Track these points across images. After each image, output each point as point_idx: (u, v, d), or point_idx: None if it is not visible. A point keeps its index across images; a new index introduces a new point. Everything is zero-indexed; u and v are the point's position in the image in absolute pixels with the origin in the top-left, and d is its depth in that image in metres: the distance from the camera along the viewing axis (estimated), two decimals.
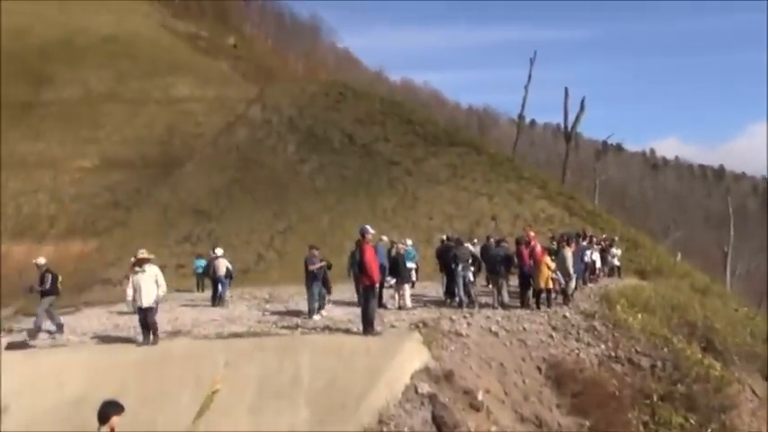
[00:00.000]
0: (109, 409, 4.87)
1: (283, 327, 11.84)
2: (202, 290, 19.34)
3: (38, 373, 9.38)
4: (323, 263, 12.70)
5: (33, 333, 11.56)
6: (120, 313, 14.44)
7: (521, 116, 40.26)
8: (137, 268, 10.51)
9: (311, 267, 12.47)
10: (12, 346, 10.57)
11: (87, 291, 21.93)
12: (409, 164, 27.64)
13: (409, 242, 14.87)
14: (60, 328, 11.95)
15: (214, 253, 16.45)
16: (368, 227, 11.16)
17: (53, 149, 37.00)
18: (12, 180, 34.72)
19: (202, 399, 9.18)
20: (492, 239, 15.48)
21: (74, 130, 37.77)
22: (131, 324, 11.91)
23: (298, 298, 16.36)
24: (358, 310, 11.89)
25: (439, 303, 14.01)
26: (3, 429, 8.53)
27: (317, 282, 12.59)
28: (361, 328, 10.83)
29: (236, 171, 29.53)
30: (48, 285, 11.84)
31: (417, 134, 29.66)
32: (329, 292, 13.36)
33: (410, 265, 14.36)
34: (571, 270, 13.47)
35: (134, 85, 41.89)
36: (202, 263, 19.35)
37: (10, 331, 12.88)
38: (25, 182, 34.78)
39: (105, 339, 11.41)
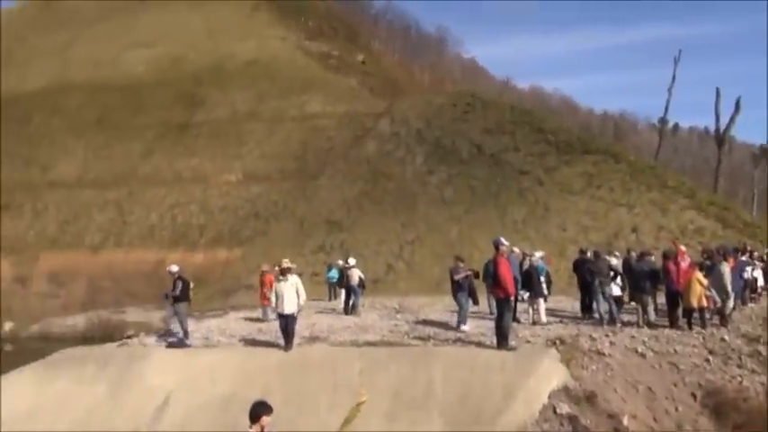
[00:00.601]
0: (260, 410, 5.12)
1: (415, 337, 11.91)
2: (334, 298, 20.01)
3: (194, 370, 10.20)
4: (468, 272, 12.54)
5: (167, 336, 12.42)
6: (252, 320, 15.23)
7: (663, 120, 37.62)
8: (280, 277, 11.09)
9: (456, 277, 12.40)
10: (172, 345, 11.63)
11: (233, 295, 23.61)
12: (540, 173, 26.79)
13: (537, 254, 14.33)
14: (186, 334, 12.47)
15: (347, 263, 16.97)
16: (501, 239, 10.93)
17: (204, 165, 40.47)
18: (169, 194, 38.45)
19: (340, 402, 9.50)
20: (633, 253, 14.48)
21: (221, 147, 41.08)
22: (273, 328, 12.60)
23: (427, 309, 16.43)
24: (490, 323, 11.63)
25: (575, 319, 13.35)
26: (165, 420, 9.36)
27: (464, 292, 12.49)
28: (494, 341, 10.60)
29: (367, 183, 30.40)
30: (178, 292, 12.45)
31: (549, 143, 28.70)
32: (476, 302, 13.09)
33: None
34: (729, 288, 12.20)
35: (272, 104, 44.71)
36: (334, 272, 19.97)
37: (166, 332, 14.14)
38: (180, 195, 38.34)
39: (251, 342, 12.17)
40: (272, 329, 12.78)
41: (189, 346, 11.63)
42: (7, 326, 20.86)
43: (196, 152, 41.61)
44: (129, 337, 16.32)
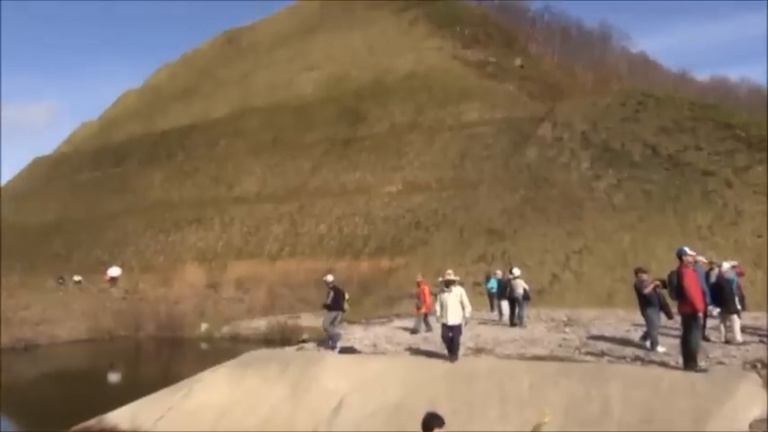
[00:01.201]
0: (432, 422, 5.12)
1: (587, 353, 11.25)
2: (494, 309, 19.70)
3: (365, 376, 10.60)
4: (656, 282, 11.43)
5: (325, 343, 12.94)
6: (409, 330, 15.40)
7: None
8: (444, 288, 11.14)
9: (645, 291, 11.43)
10: (344, 351, 12.23)
11: (397, 303, 24.22)
12: (729, 174, 24.01)
13: (727, 264, 12.73)
14: (335, 340, 12.77)
15: (511, 273, 16.58)
16: (686, 248, 9.92)
17: (367, 178, 42.32)
18: (336, 206, 40.73)
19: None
20: None
21: (382, 159, 42.68)
22: (438, 338, 12.68)
23: (599, 323, 15.45)
24: (673, 341, 10.61)
25: None
26: (339, 423, 9.83)
27: (654, 307, 11.38)
28: (679, 361, 9.64)
29: (528, 190, 29.54)
30: (329, 301, 12.90)
31: (738, 139, 25.63)
32: (669, 316, 11.78)
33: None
34: None
35: (430, 114, 45.48)
36: (493, 282, 19.67)
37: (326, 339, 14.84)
38: (345, 207, 40.44)
39: (417, 351, 12.36)
40: (437, 339, 12.87)
41: (359, 352, 12.14)
42: (203, 327, 23.46)
43: (359, 165, 43.64)
44: (303, 341, 17.49)
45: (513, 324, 15.73)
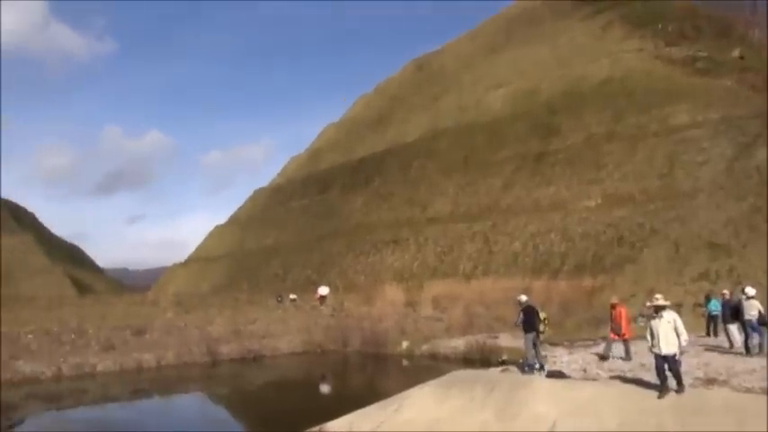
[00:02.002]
0: None
1: None
2: (714, 334, 17.44)
3: (577, 402, 9.96)
4: None
5: (524, 365, 12.28)
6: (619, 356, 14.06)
7: None
8: (654, 314, 10.05)
9: None
10: (551, 374, 11.67)
11: (603, 325, 22.58)
12: None
13: None
14: (540, 367, 12.01)
15: (744, 293, 14.48)
16: None
17: (561, 192, 40.56)
18: (529, 223, 39.62)
19: None
20: None
21: (578, 173, 40.59)
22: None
23: None
24: None
25: None
26: None
27: None
28: None
29: (758, 198, 25.74)
30: (519, 321, 12.22)
31: None
32: None
33: None
34: None
35: (631, 121, 42.22)
36: (715, 304, 17.45)
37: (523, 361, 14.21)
38: (540, 223, 39.11)
39: (631, 379, 11.31)
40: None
41: (568, 376, 11.49)
42: (404, 344, 24.23)
43: (553, 180, 42.01)
44: (503, 362, 17.10)
45: (748, 352, 13.66)
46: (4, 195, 75.42)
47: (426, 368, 20.64)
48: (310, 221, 61.09)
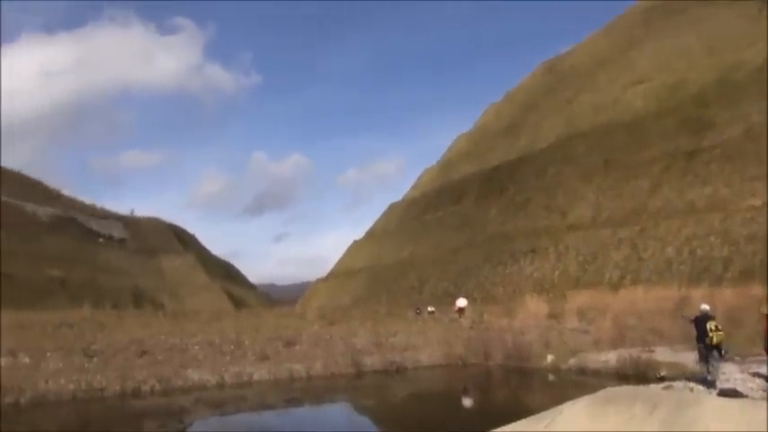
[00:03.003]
0: None
1: None
2: None
3: (755, 425, 8.87)
4: None
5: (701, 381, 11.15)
6: None
7: None
8: None
9: None
10: (724, 392, 10.54)
11: None
12: None
13: None
14: (711, 382, 10.85)
15: None
16: None
17: (720, 192, 36.84)
18: (683, 226, 36.41)
19: None
20: None
21: (739, 169, 36.63)
22: None
23: None
24: None
25: None
26: None
27: None
28: None
29: None
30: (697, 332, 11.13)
31: None
32: None
33: None
34: None
35: None
36: None
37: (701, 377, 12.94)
38: (696, 227, 35.78)
39: None
40: None
41: (744, 395, 10.30)
42: (549, 358, 23.25)
43: (709, 179, 38.33)
44: (662, 378, 15.78)
45: None
46: (170, 220, 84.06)
47: (575, 383, 19.66)
48: (445, 233, 61.15)
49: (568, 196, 48.35)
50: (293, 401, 20.17)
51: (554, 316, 30.80)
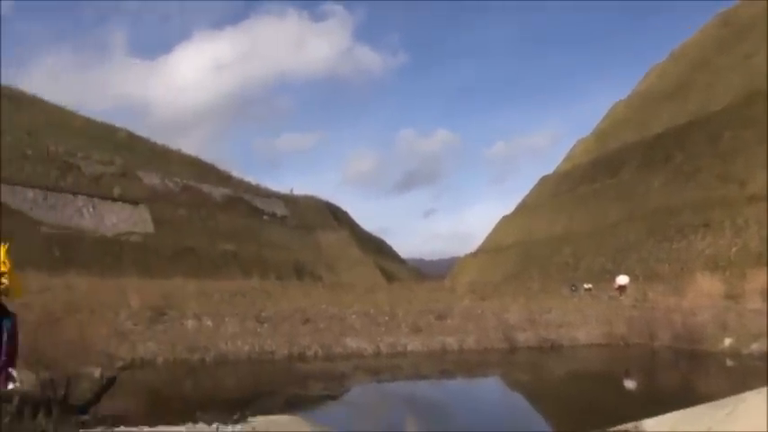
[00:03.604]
0: None
1: None
2: None
3: None
4: None
5: None
6: None
7: None
8: None
9: None
10: None
11: None
12: None
13: None
14: None
15: None
16: None
17: None
18: None
19: None
20: None
21: None
22: None
23: None
24: None
25: None
26: None
27: None
28: None
29: None
30: None
31: None
32: None
33: None
34: None
35: None
36: None
37: None
38: None
39: None
40: None
41: None
42: (727, 341, 21.07)
43: None
44: None
45: None
46: (325, 197, 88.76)
47: (757, 371, 17.62)
48: (602, 206, 57.71)
49: (748, 164, 43.01)
50: (447, 373, 20.44)
51: (732, 296, 27.79)
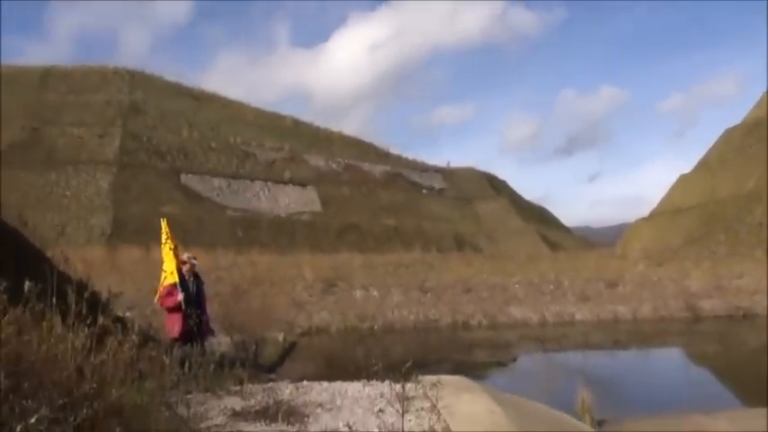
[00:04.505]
0: None
1: None
2: None
3: None
4: None
5: None
6: None
7: None
8: None
9: None
10: None
11: None
12: None
13: None
14: None
15: None
16: None
17: None
18: None
19: None
20: None
21: None
22: None
23: None
24: None
25: None
26: None
27: None
28: None
29: None
30: None
31: None
32: None
33: None
34: None
35: None
36: None
37: None
38: None
39: None
40: None
41: None
42: None
43: None
44: None
45: None
46: (483, 168, 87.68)
47: None
48: None
49: None
50: (618, 343, 19.33)
51: None
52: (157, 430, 4.81)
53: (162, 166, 49.65)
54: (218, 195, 51.13)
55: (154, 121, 55.45)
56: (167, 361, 5.72)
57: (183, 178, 50.04)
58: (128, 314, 14.16)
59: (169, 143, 52.96)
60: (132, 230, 35.60)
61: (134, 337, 4.92)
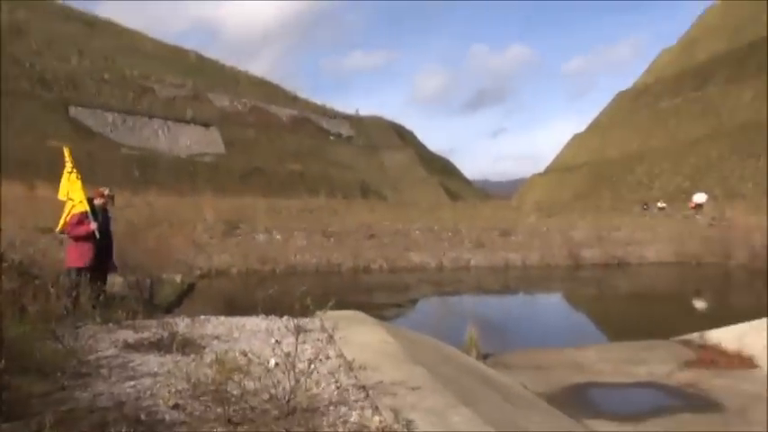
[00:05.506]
0: None
1: None
2: None
3: None
4: None
5: None
6: None
7: None
8: None
9: None
10: None
11: None
12: None
13: None
14: None
15: None
16: None
17: None
18: None
19: None
20: None
21: None
22: None
23: None
24: None
25: None
26: None
27: None
28: None
29: None
30: None
31: None
32: None
33: None
34: None
35: None
36: None
37: None
38: None
39: None
40: None
41: None
42: None
43: None
44: None
45: None
46: (391, 117, 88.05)
47: None
48: (683, 123, 54.50)
49: None
50: (507, 288, 20.65)
51: None
52: (42, 360, 4.69)
53: (48, 96, 45.66)
54: (111, 131, 47.96)
55: (39, 45, 50.51)
56: (53, 291, 5.51)
57: (72, 111, 46.42)
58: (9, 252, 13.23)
59: (56, 71, 48.63)
60: (14, 165, 32.80)
61: (15, 272, 4.71)
